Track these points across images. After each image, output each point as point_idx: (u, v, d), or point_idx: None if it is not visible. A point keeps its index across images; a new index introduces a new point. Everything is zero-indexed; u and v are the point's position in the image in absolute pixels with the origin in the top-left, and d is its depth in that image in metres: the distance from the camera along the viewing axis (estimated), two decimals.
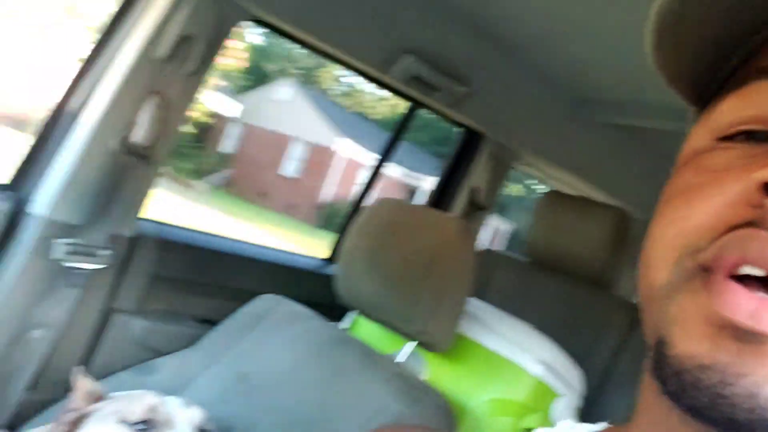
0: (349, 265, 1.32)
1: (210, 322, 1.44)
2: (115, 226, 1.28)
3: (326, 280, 1.57)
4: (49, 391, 1.26)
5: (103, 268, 1.28)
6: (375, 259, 1.28)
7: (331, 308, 1.52)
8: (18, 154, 1.28)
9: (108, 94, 1.20)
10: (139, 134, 1.24)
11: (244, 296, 1.44)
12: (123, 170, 1.25)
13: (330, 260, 1.85)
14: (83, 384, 1.01)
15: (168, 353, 1.37)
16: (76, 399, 0.99)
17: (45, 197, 1.20)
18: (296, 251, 1.85)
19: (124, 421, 0.95)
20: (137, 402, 0.98)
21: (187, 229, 1.54)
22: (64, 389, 1.18)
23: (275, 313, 1.38)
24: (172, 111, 1.28)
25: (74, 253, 1.22)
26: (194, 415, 1.03)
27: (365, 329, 1.45)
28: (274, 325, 1.35)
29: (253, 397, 1.22)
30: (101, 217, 1.25)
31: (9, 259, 1.20)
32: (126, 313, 1.37)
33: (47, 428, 1.01)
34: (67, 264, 1.22)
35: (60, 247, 1.20)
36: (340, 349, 1.26)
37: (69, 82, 1.25)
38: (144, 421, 0.96)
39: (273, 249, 1.76)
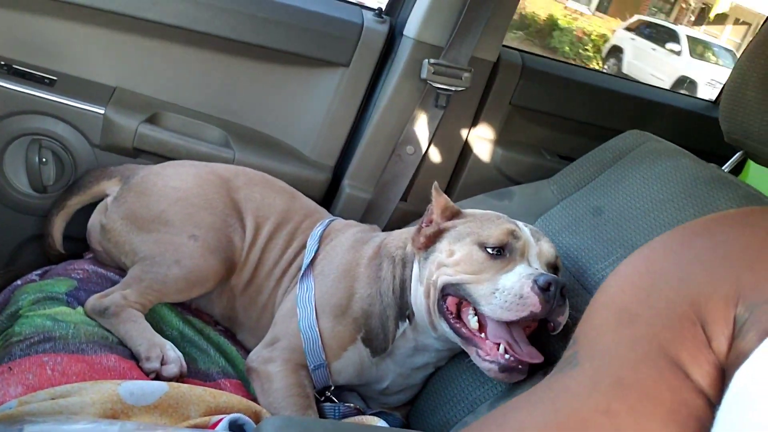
0: (737, 94, 1.07)
1: (570, 160, 1.37)
2: (478, 50, 1.29)
3: (713, 126, 1.32)
4: (418, 204, 1.40)
5: (466, 92, 1.31)
6: None
7: (718, 158, 1.28)
8: None
9: None
10: None
11: (611, 137, 1.31)
12: None
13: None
14: (440, 200, 1.03)
15: (523, 183, 1.36)
16: (434, 213, 1.04)
17: (415, 20, 1.27)
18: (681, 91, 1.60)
19: (481, 244, 0.96)
20: (494, 227, 0.98)
21: (555, 60, 1.47)
22: (429, 204, 1.28)
23: (640, 149, 1.23)
24: None
25: (439, 73, 1.28)
26: (547, 249, 0.99)
27: (757, 176, 1.18)
28: (636, 161, 1.20)
29: (605, 231, 1.13)
30: (464, 39, 1.27)
31: (387, 79, 1.32)
32: (486, 141, 1.40)
33: (409, 229, 1.11)
34: (434, 84, 1.29)
35: (427, 67, 1.27)
36: (715, 190, 1.05)
37: None
38: (499, 247, 0.95)
39: (653, 87, 1.55)
